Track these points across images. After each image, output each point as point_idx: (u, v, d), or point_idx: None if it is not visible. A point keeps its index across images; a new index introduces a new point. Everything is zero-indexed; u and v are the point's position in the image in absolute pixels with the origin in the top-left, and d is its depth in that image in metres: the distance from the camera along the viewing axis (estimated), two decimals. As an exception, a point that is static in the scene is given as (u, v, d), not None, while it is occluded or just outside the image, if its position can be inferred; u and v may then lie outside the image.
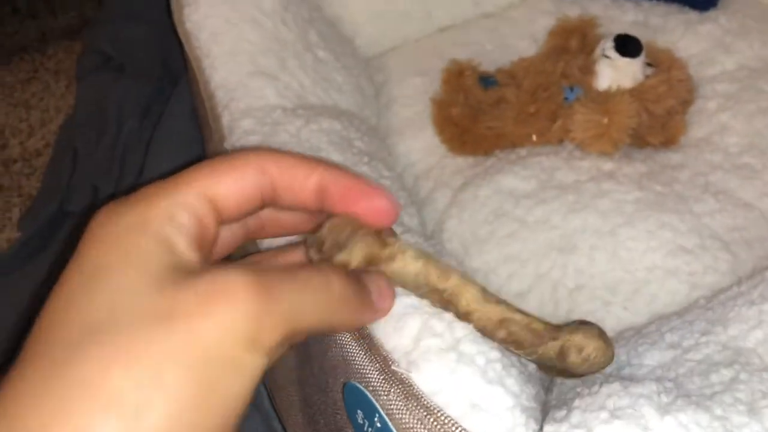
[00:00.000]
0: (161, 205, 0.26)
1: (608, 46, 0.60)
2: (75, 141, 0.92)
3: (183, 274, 0.24)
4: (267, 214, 0.30)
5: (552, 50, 0.65)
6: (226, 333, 0.23)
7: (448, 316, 0.31)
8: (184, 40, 0.64)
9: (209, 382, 0.22)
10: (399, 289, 0.32)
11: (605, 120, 0.56)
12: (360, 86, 0.67)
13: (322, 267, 0.27)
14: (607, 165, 0.57)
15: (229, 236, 0.29)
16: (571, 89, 0.61)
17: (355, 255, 0.28)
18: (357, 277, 0.28)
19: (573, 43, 0.65)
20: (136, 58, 0.94)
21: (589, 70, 0.61)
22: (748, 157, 0.56)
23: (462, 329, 0.31)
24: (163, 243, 0.25)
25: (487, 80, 0.64)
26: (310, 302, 0.25)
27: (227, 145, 0.53)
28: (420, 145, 0.65)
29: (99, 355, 0.22)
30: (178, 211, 0.26)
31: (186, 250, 0.25)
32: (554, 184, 0.56)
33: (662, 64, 0.61)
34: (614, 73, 0.60)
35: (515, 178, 0.58)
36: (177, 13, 0.64)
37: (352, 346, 0.33)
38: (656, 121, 0.59)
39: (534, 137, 0.61)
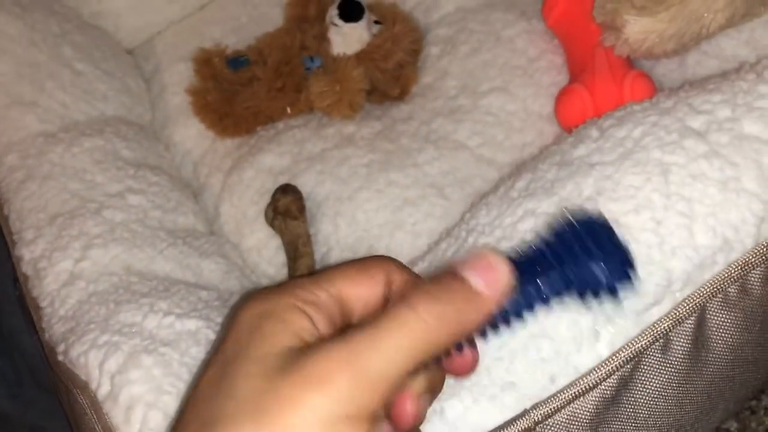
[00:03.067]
0: (300, 296, 0.29)
1: (334, 14, 0.68)
2: None
3: (292, 362, 0.26)
4: None
5: (292, 20, 0.73)
6: (322, 417, 0.25)
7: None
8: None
9: None
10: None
11: (337, 88, 0.66)
12: (126, 87, 0.73)
13: (402, 306, 0.28)
14: (349, 128, 0.67)
15: None
16: (312, 59, 0.69)
17: None
18: (448, 278, 0.29)
19: (311, 10, 0.72)
20: None
21: (324, 38, 0.70)
22: (462, 98, 0.66)
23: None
24: (289, 330, 0.28)
25: (237, 61, 0.71)
26: (404, 349, 0.27)
27: (-4, 187, 0.60)
28: (192, 131, 0.72)
29: None
30: (311, 305, 0.29)
31: (309, 338, 0.28)
32: (305, 156, 0.66)
33: (387, 20, 0.70)
34: (342, 39, 0.68)
35: (272, 155, 0.67)
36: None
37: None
38: (390, 75, 0.69)
39: (288, 110, 0.70)
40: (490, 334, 0.29)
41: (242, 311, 0.29)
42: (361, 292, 0.30)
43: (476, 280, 0.28)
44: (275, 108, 0.70)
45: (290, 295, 0.29)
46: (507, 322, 0.29)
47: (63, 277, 0.54)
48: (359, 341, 0.26)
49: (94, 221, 0.57)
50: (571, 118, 0.60)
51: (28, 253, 0.56)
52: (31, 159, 0.61)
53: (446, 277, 0.28)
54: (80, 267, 0.54)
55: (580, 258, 0.29)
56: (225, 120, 0.69)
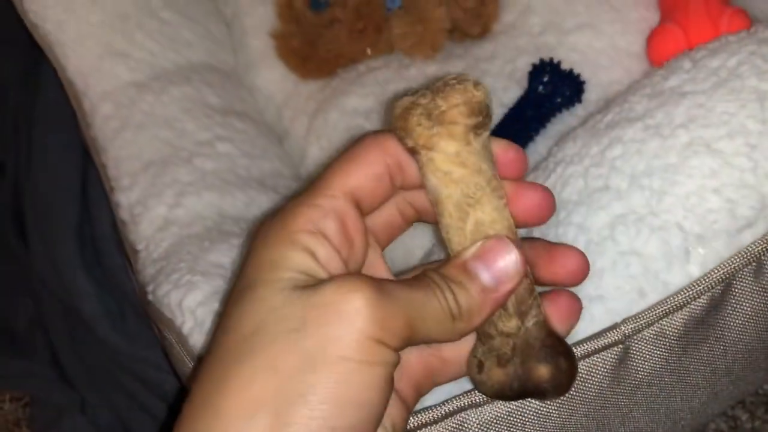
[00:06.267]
0: (305, 215, 0.30)
1: (415, -47, 0.71)
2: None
3: (315, 284, 0.29)
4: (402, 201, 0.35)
5: (372, -39, 0.75)
6: (353, 336, 0.27)
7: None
8: (32, 31, 0.73)
9: (344, 379, 0.27)
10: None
11: (419, 28, 0.68)
12: (210, 32, 0.78)
13: (437, 279, 0.30)
14: (431, 68, 0.70)
15: (388, 225, 0.35)
16: (392, 0, 0.72)
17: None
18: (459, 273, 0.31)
19: (390, -50, 0.75)
20: (4, 23, 1.02)
21: (405, -22, 0.72)
22: (547, 35, 0.68)
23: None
24: (304, 254, 0.30)
25: (318, 3, 0.75)
26: (429, 311, 0.29)
27: (92, 133, 0.65)
28: (275, 75, 0.76)
29: (247, 367, 0.27)
30: (320, 219, 0.30)
31: (325, 257, 0.30)
32: (389, 97, 0.69)
33: (468, -42, 0.72)
34: (423, -22, 0.71)
35: (356, 96, 0.70)
36: (18, 7, 0.73)
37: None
38: (471, 14, 0.71)
39: (369, 51, 0.73)
40: None
41: (254, 239, 0.31)
42: (363, 183, 0.32)
43: (485, 275, 0.31)
44: (356, 50, 0.73)
45: (300, 216, 0.30)
46: None
47: (157, 222, 0.59)
48: (391, 284, 0.29)
49: (186, 169, 0.62)
50: (665, 58, 0.61)
51: (125, 199, 0.61)
52: (124, 108, 0.66)
53: (455, 271, 0.31)
54: (174, 213, 0.59)
55: None
56: (308, 63, 0.73)
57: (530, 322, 0.32)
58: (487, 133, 0.32)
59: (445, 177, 0.31)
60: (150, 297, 0.51)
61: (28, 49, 1.02)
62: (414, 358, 0.33)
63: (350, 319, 0.27)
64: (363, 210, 0.32)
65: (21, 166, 0.90)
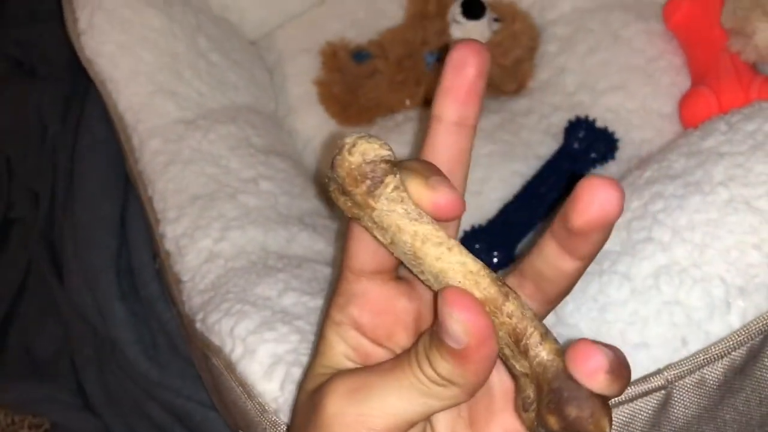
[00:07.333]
0: (335, 319, 0.34)
1: (456, 11, 0.74)
2: (4, 149, 1.04)
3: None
4: None
5: (413, 17, 0.79)
6: None
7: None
8: (86, 66, 0.76)
9: None
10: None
11: (459, 83, 0.71)
12: (253, 77, 0.81)
13: (410, 358, 0.30)
14: (468, 121, 0.72)
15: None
16: (432, 54, 0.76)
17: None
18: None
19: (431, 7, 0.78)
20: (46, 59, 1.06)
21: (445, 34, 0.76)
22: (582, 95, 0.71)
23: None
24: (332, 351, 0.34)
25: (360, 55, 0.78)
26: (399, 397, 0.30)
27: (140, 167, 0.68)
28: (315, 120, 0.79)
29: None
30: (343, 309, 0.34)
31: (354, 344, 0.34)
32: (426, 146, 0.72)
33: (507, 18, 0.75)
34: (464, 35, 0.74)
35: (394, 144, 0.72)
36: (75, 41, 0.77)
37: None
38: (507, 71, 0.74)
39: (407, 102, 0.76)
40: None
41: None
42: (364, 258, 0.33)
43: (452, 332, 0.28)
44: (396, 100, 0.76)
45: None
46: None
47: (204, 254, 0.61)
48: (367, 378, 0.31)
49: (231, 205, 0.64)
50: (697, 119, 0.64)
51: (171, 231, 0.63)
52: (172, 144, 0.69)
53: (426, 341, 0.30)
54: (220, 246, 0.61)
55: None
56: (348, 110, 0.76)
57: (536, 362, 0.29)
58: (392, 186, 0.30)
59: (383, 242, 0.31)
60: (198, 325, 0.53)
61: (68, 86, 1.06)
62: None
63: (327, 422, 0.30)
64: (388, 272, 0.34)
65: (58, 198, 0.92)
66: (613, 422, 0.39)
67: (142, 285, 0.72)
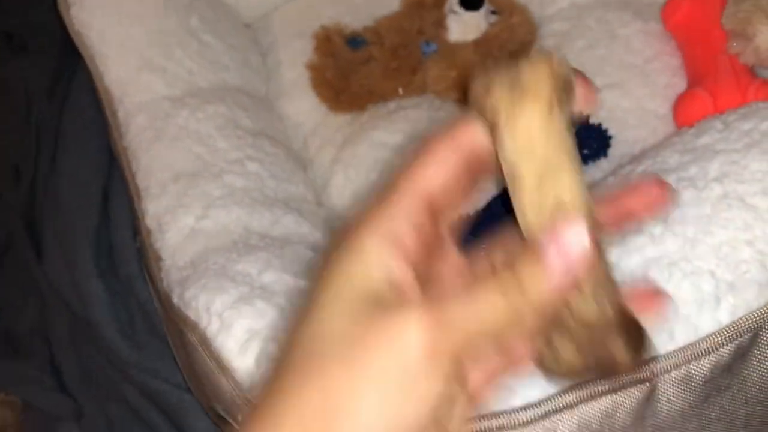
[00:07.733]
0: (379, 229, 0.29)
1: (454, 2, 0.73)
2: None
3: (377, 308, 0.29)
4: None
5: (410, 5, 0.78)
6: (401, 366, 0.28)
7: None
8: (75, 39, 0.75)
9: (388, 408, 0.28)
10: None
11: (453, 73, 0.71)
12: (246, 60, 0.80)
13: (496, 282, 0.29)
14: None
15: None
16: (428, 44, 0.75)
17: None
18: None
19: (428, -3, 0.78)
20: (36, 34, 1.04)
21: (441, 25, 0.75)
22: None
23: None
24: (375, 270, 0.29)
25: (355, 41, 0.77)
26: (485, 323, 0.28)
27: (125, 142, 0.67)
28: (306, 105, 0.78)
29: (303, 385, 0.28)
30: (392, 234, 0.29)
31: (399, 273, 0.29)
32: (418, 135, 0.71)
33: (505, 10, 0.75)
34: (461, 26, 0.73)
35: (386, 132, 0.72)
36: (65, 14, 0.75)
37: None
38: (503, 65, 0.74)
39: (400, 90, 0.75)
40: None
41: (328, 253, 0.30)
42: (435, 183, 0.30)
43: (558, 261, 0.28)
44: (389, 88, 0.75)
45: (373, 230, 0.29)
46: None
47: (185, 231, 0.60)
48: (447, 305, 0.28)
49: (216, 184, 0.63)
50: (692, 120, 0.63)
51: (153, 208, 0.62)
52: (159, 121, 0.68)
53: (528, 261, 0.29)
54: (201, 224, 0.60)
55: None
56: (341, 96, 0.75)
57: (606, 305, 0.30)
58: (570, 110, 0.30)
59: (526, 150, 0.29)
60: (175, 300, 0.52)
61: (57, 61, 1.04)
62: None
63: (401, 350, 0.28)
64: (439, 211, 0.31)
65: (39, 173, 0.91)
66: (595, 413, 0.38)
67: (121, 263, 0.71)
